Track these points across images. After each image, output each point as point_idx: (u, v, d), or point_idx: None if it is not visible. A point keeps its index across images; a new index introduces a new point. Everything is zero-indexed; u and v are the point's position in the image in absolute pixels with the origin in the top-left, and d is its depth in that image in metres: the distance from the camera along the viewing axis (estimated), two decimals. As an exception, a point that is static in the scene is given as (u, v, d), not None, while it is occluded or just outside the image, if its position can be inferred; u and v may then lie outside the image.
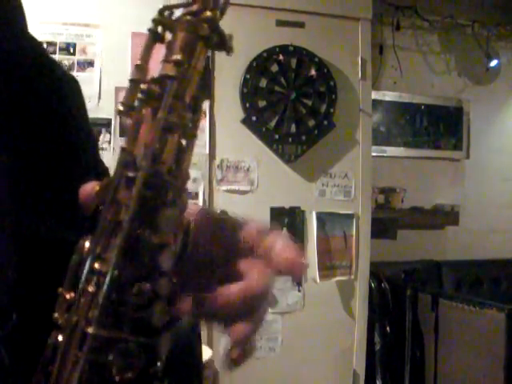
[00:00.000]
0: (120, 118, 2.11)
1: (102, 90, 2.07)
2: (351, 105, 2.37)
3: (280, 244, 0.38)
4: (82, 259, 0.33)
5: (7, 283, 0.41)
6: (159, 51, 0.37)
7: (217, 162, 2.19)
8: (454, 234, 3.28)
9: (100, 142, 2.06)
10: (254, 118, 2.22)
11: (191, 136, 0.35)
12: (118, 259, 0.32)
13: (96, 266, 0.32)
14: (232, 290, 0.36)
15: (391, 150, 3.21)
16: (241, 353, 0.37)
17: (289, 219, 2.27)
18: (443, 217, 3.19)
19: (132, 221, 0.32)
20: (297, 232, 2.28)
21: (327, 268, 2.30)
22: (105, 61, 2.08)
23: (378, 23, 3.02)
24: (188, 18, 0.35)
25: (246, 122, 2.22)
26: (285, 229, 2.27)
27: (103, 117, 2.06)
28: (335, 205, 2.34)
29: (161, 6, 0.36)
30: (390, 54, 3.19)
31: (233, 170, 2.20)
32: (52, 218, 0.44)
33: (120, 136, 2.09)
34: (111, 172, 0.45)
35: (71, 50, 2.06)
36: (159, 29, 0.36)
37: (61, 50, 2.05)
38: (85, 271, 0.33)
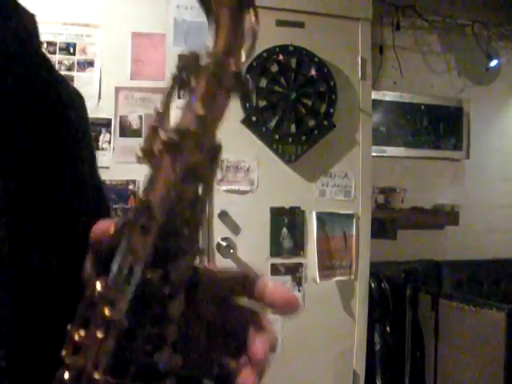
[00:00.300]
0: (120, 117, 2.10)
1: (102, 89, 2.07)
2: (351, 105, 2.37)
3: (272, 284, 0.39)
4: (93, 300, 0.34)
5: (6, 313, 0.40)
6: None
7: (217, 162, 2.18)
8: (453, 234, 3.28)
9: (100, 142, 2.06)
10: (253, 118, 2.22)
11: (208, 185, 0.35)
12: (128, 308, 0.32)
13: (106, 312, 0.33)
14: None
15: (391, 150, 3.21)
16: None
17: (289, 219, 2.27)
18: (443, 217, 3.19)
19: (145, 269, 0.33)
20: (297, 232, 2.28)
21: (327, 268, 2.30)
22: (105, 61, 2.08)
23: (378, 23, 3.02)
24: (213, 67, 0.35)
25: (245, 122, 2.22)
26: (285, 229, 2.27)
27: (103, 117, 2.06)
28: (335, 205, 2.34)
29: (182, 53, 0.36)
30: (390, 54, 3.19)
31: (233, 170, 2.20)
32: (49, 243, 0.43)
33: (120, 136, 2.09)
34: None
35: (71, 50, 2.06)
36: (183, 74, 0.36)
37: (61, 50, 2.05)
38: (96, 315, 0.33)
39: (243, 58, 0.36)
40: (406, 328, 2.52)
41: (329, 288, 2.32)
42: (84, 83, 2.05)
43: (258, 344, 0.38)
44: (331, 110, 2.31)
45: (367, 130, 2.41)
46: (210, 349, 0.39)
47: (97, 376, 0.32)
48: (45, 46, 2.02)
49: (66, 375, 0.33)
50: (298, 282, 2.27)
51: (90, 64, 2.08)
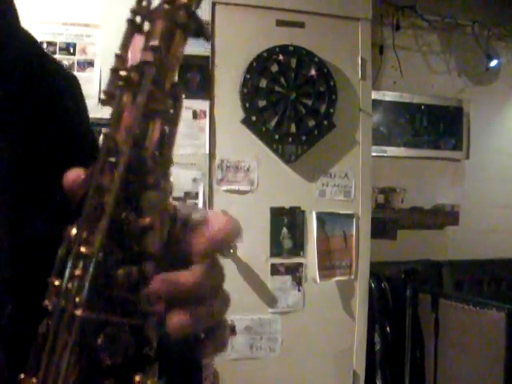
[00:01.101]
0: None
1: (101, 90, 2.07)
2: (351, 105, 2.37)
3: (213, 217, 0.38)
4: (70, 246, 0.34)
5: (0, 276, 0.41)
6: (139, 43, 0.37)
7: (217, 161, 2.19)
8: (453, 233, 3.28)
9: (100, 142, 2.06)
10: (253, 118, 2.22)
11: (173, 123, 0.36)
12: (102, 242, 0.32)
13: (82, 249, 0.33)
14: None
15: (391, 150, 3.21)
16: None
17: (289, 219, 2.27)
18: (443, 217, 3.19)
19: (115, 204, 0.32)
20: (297, 232, 2.28)
21: (327, 268, 2.30)
22: (105, 61, 2.07)
23: (378, 23, 3.02)
24: (165, 6, 0.35)
25: (245, 122, 2.22)
26: (285, 229, 2.27)
27: (103, 117, 2.06)
28: (335, 205, 2.34)
29: None
30: (390, 54, 3.19)
31: (233, 170, 2.20)
32: (45, 212, 0.44)
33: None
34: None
35: (71, 50, 2.06)
36: (138, 19, 0.37)
37: (61, 49, 2.05)
38: (71, 255, 0.33)
39: None
40: (405, 328, 2.52)
41: (329, 288, 2.32)
42: (84, 83, 2.05)
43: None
44: (331, 110, 2.31)
45: (367, 130, 2.41)
46: None
47: (78, 313, 0.32)
48: (45, 45, 2.02)
49: (49, 321, 0.33)
50: (298, 281, 2.27)
51: (90, 64, 2.08)
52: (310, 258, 2.28)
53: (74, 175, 0.35)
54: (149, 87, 0.34)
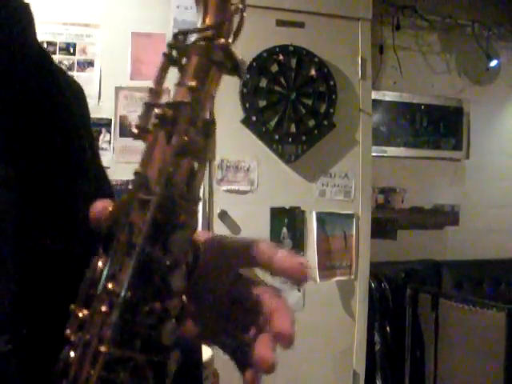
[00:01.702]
0: (120, 117, 2.10)
1: (102, 89, 2.07)
2: (351, 105, 2.37)
3: (280, 252, 0.39)
4: (95, 278, 0.34)
5: (11, 297, 0.41)
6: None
7: (217, 161, 2.19)
8: (453, 234, 3.28)
9: (100, 142, 2.06)
10: (253, 118, 2.22)
11: (203, 160, 0.36)
12: (131, 280, 0.33)
13: (109, 286, 0.33)
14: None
15: (391, 150, 3.21)
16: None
17: (289, 219, 2.27)
18: (443, 217, 3.19)
19: (145, 243, 0.33)
20: (297, 232, 2.28)
21: (327, 268, 2.30)
22: (105, 61, 2.08)
23: (378, 23, 3.02)
24: (202, 43, 0.36)
25: (245, 122, 2.22)
26: (285, 229, 2.27)
27: (103, 117, 2.06)
28: (335, 205, 2.34)
29: (176, 31, 0.37)
30: (390, 54, 3.19)
31: (233, 170, 2.20)
32: (54, 227, 0.44)
33: (120, 136, 2.09)
34: (110, 176, 0.45)
35: (71, 50, 2.06)
36: (174, 52, 0.36)
37: (61, 50, 2.05)
38: (98, 291, 0.33)
39: (231, 35, 0.37)
40: (405, 328, 2.52)
41: (329, 288, 2.32)
42: (84, 83, 2.05)
43: (282, 318, 0.39)
44: (331, 110, 2.31)
45: (367, 130, 2.41)
46: (224, 321, 0.40)
47: (103, 349, 0.32)
48: (45, 45, 2.02)
49: (72, 352, 0.33)
50: (301, 284, 2.27)
51: (90, 64, 2.08)
52: (310, 258, 2.28)
53: (101, 207, 0.35)
54: (183, 127, 0.34)
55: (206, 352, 1.68)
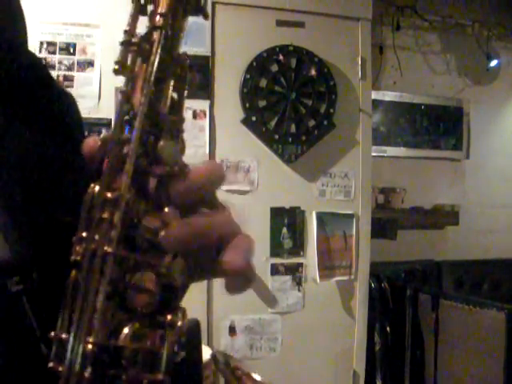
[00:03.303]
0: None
1: (101, 89, 2.07)
2: (351, 105, 2.37)
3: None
4: (93, 201, 0.34)
5: (20, 238, 0.42)
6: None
7: (217, 161, 2.19)
8: (454, 234, 3.28)
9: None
10: (253, 118, 2.22)
11: (181, 86, 0.38)
12: (128, 186, 0.33)
13: (108, 195, 0.33)
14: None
15: (391, 150, 3.21)
16: (238, 283, 0.39)
17: (289, 219, 2.27)
18: (443, 217, 3.19)
19: (136, 153, 0.34)
20: (297, 232, 2.28)
21: (327, 268, 2.30)
22: (105, 61, 2.07)
23: (378, 23, 3.02)
24: None
25: (245, 122, 2.22)
26: (285, 229, 2.27)
27: (103, 117, 2.06)
28: (335, 205, 2.34)
29: None
30: (390, 54, 3.19)
31: (233, 170, 2.20)
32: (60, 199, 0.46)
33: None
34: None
35: (71, 50, 2.06)
36: (142, 1, 0.39)
37: (61, 50, 2.05)
38: (96, 204, 0.34)
39: None
40: (405, 328, 2.52)
41: (329, 288, 2.32)
42: (84, 83, 2.05)
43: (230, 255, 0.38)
44: (331, 110, 2.31)
45: (367, 130, 2.41)
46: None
47: (109, 249, 0.32)
48: (45, 46, 2.02)
49: (79, 275, 0.33)
50: (298, 281, 2.27)
51: (90, 64, 2.07)
52: (310, 257, 2.28)
53: (92, 141, 0.36)
54: (161, 52, 0.36)
55: (206, 352, 1.68)
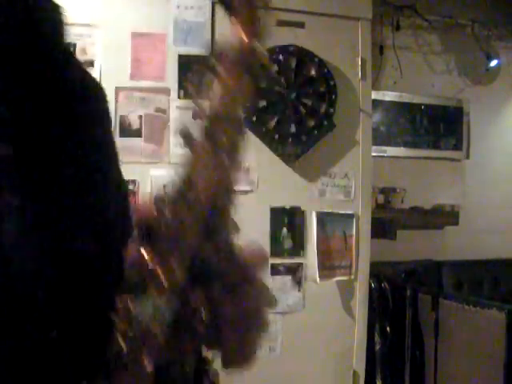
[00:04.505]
0: (120, 117, 2.10)
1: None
2: (351, 105, 2.37)
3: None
4: (143, 270, 0.35)
5: (42, 296, 0.42)
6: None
7: (217, 162, 2.18)
8: (454, 233, 3.28)
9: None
10: (253, 118, 2.22)
11: (239, 158, 0.41)
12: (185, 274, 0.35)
13: (163, 279, 0.35)
14: None
15: (391, 150, 3.21)
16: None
17: (289, 219, 2.27)
18: (443, 217, 3.19)
19: (192, 237, 0.36)
20: (297, 232, 2.28)
21: (327, 268, 2.30)
22: (105, 61, 2.07)
23: (378, 23, 3.03)
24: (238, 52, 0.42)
25: (245, 122, 2.21)
26: (285, 229, 2.27)
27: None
28: (335, 205, 2.33)
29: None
30: (390, 54, 3.19)
31: (233, 170, 2.20)
32: (78, 228, 0.45)
33: (120, 136, 2.09)
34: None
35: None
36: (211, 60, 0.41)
37: (61, 49, 2.05)
38: (151, 286, 0.35)
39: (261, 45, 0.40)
40: (405, 328, 2.52)
41: (329, 288, 2.32)
42: (84, 83, 2.05)
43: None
44: (331, 110, 2.31)
45: (367, 130, 2.41)
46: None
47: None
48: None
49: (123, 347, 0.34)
50: (298, 281, 2.27)
51: (90, 64, 2.07)
52: (310, 257, 2.28)
53: (146, 206, 0.38)
54: (222, 136, 0.39)
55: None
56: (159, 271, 0.34)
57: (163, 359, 0.34)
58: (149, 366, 0.33)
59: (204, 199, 0.35)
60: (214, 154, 0.37)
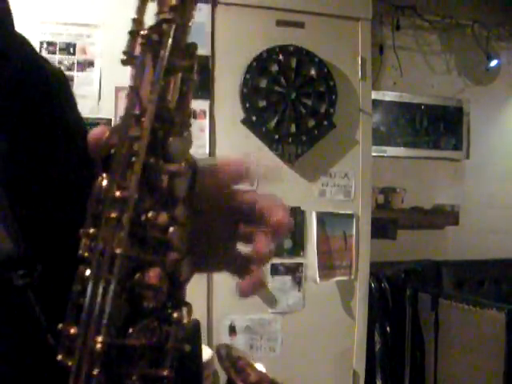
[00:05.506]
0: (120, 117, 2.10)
1: (102, 89, 2.07)
2: (351, 105, 2.37)
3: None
4: (100, 196, 0.34)
5: (23, 233, 0.43)
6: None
7: (217, 162, 2.18)
8: (454, 234, 3.28)
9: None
10: (253, 118, 2.22)
11: (190, 77, 0.37)
12: (137, 185, 0.33)
13: (117, 194, 0.33)
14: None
15: (391, 150, 3.21)
16: (250, 284, 0.43)
17: (289, 219, 2.27)
18: (443, 217, 3.19)
19: (146, 150, 0.34)
20: (297, 232, 2.28)
21: (327, 268, 2.30)
22: (105, 61, 2.07)
23: (378, 23, 3.03)
24: None
25: (245, 122, 2.22)
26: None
27: (103, 117, 2.06)
28: (335, 205, 2.34)
29: None
30: (390, 54, 3.19)
31: (233, 170, 2.20)
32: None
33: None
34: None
35: (71, 50, 2.06)
36: None
37: (61, 50, 2.05)
38: (105, 202, 0.33)
39: None
40: (405, 328, 2.52)
41: (329, 288, 2.32)
42: (84, 83, 2.05)
43: (277, 211, 0.43)
44: (331, 110, 2.31)
45: (367, 130, 2.41)
46: (227, 234, 0.44)
47: (118, 250, 0.32)
48: (45, 46, 2.02)
49: (87, 270, 0.33)
50: (298, 281, 2.27)
51: (90, 64, 2.07)
52: (310, 257, 2.28)
53: (100, 131, 0.36)
54: (170, 45, 0.35)
55: (206, 352, 1.68)
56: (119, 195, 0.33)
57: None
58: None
59: (152, 112, 0.34)
60: (159, 67, 0.35)
